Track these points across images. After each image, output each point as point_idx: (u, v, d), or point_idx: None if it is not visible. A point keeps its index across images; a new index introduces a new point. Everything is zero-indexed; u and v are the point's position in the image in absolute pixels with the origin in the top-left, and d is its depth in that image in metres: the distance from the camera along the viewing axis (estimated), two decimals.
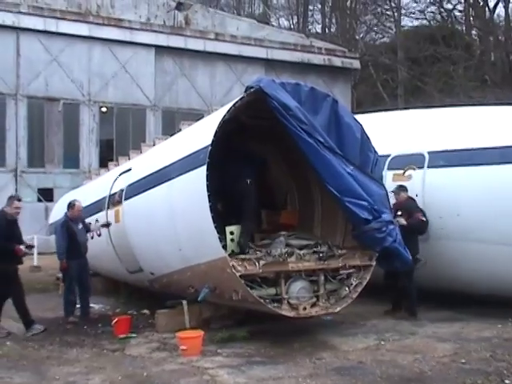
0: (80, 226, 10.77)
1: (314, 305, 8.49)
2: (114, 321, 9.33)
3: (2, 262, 9.39)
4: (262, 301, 8.07)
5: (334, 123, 8.96)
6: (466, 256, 9.77)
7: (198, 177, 8.22)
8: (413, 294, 9.65)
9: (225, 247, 8.42)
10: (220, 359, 7.71)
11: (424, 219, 9.73)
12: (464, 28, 33.84)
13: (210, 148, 8.20)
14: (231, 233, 8.96)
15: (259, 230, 10.59)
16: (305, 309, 8.30)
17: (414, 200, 10.01)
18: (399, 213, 9.62)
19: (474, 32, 33.23)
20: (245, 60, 28.29)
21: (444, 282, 10.21)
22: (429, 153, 10.38)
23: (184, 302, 9.09)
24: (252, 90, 8.61)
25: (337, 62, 30.42)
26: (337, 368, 7.17)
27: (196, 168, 8.38)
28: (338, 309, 8.74)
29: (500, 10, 32.18)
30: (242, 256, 8.58)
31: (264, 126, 9.65)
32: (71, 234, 10.50)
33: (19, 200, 9.96)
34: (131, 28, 25.72)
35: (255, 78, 9.01)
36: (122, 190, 11.07)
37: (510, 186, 9.24)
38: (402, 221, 9.42)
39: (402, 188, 10.01)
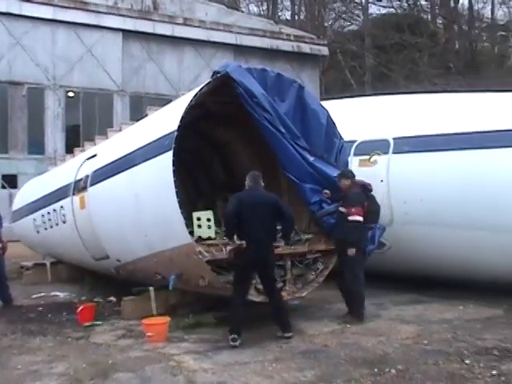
0: None
1: (280, 289, 8.54)
2: (79, 309, 9.27)
3: None
4: (228, 286, 8.11)
5: (299, 109, 9.07)
6: (430, 240, 9.93)
7: (165, 163, 8.19)
8: (360, 295, 8.67)
9: (192, 233, 8.43)
10: (186, 345, 7.72)
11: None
12: (429, 17, 34.17)
13: (176, 134, 8.17)
14: (198, 219, 8.95)
15: None
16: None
17: (363, 187, 8.97)
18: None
19: (438, 21, 33.58)
20: (213, 45, 28.10)
21: (408, 265, 10.37)
22: (394, 139, 10.50)
23: (151, 289, 9.07)
24: (219, 75, 8.62)
25: (305, 48, 30.43)
26: (302, 351, 7.24)
27: (162, 154, 8.34)
28: (305, 293, 8.84)
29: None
30: (209, 242, 8.60)
31: (232, 111, 9.66)
32: None
33: None
34: (97, 11, 25.30)
35: (222, 64, 9.02)
36: (87, 176, 10.95)
37: (473, 172, 9.42)
38: (342, 209, 8.72)
39: (343, 174, 8.95)
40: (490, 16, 32.91)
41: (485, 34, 31.71)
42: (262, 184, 8.15)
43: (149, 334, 7.89)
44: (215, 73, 8.69)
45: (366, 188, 8.98)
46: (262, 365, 6.77)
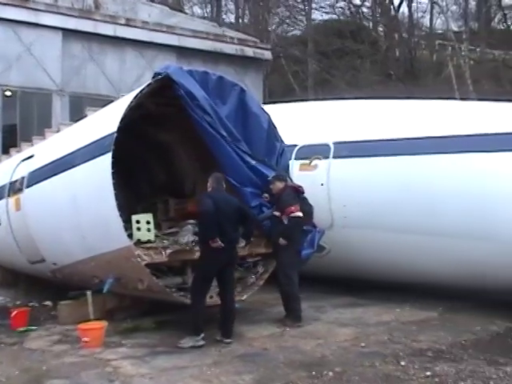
0: None
1: None
2: (13, 313, 9.01)
3: None
4: (167, 290, 8.03)
5: (241, 112, 9.08)
6: (368, 244, 10.07)
7: (103, 164, 8.06)
8: (296, 297, 8.75)
9: (130, 236, 8.32)
10: (124, 350, 7.60)
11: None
12: (371, 24, 34.81)
13: (115, 135, 8.06)
14: (137, 221, 8.83)
15: (167, 218, 10.55)
16: (211, 297, 8.28)
17: (295, 189, 9.08)
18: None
19: (380, 28, 34.25)
20: (156, 47, 27.80)
21: (348, 269, 10.50)
22: (334, 143, 10.63)
23: (88, 293, 8.89)
24: (159, 76, 8.56)
25: (249, 52, 30.48)
26: (241, 355, 7.23)
27: (101, 155, 8.21)
28: (245, 296, 8.82)
29: (404, 8, 33.43)
30: (148, 245, 8.50)
31: (173, 113, 9.59)
32: None
33: None
34: (37, 9, 24.70)
35: (163, 65, 8.96)
36: (23, 178, 10.68)
37: (410, 176, 9.61)
38: (276, 213, 8.88)
39: (277, 177, 9.04)
40: (428, 25, 33.87)
41: (424, 43, 32.50)
42: (224, 186, 8.21)
43: (85, 339, 7.73)
44: (156, 74, 8.63)
45: (297, 190, 9.13)
46: (200, 369, 6.72)
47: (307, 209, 9.12)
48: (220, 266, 7.85)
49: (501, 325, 8.36)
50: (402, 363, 6.72)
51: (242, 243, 8.47)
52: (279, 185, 8.96)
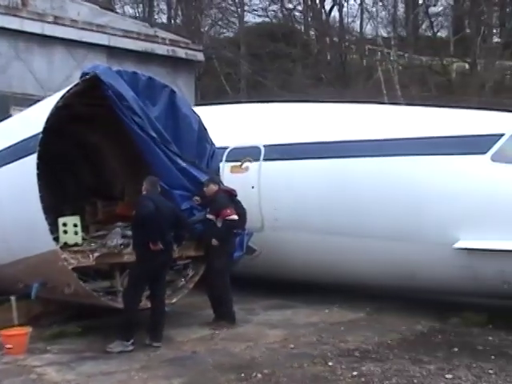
0: None
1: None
2: None
3: None
4: (95, 294, 7.87)
5: (171, 114, 9.00)
6: (298, 246, 10.18)
7: (29, 165, 7.83)
8: (229, 299, 8.83)
9: (57, 239, 8.12)
10: (49, 356, 7.41)
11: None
12: (303, 28, 35.17)
13: (41, 135, 7.85)
14: (64, 224, 8.62)
15: (95, 221, 10.34)
16: (140, 301, 8.18)
17: (229, 192, 9.14)
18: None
19: (311, 32, 34.65)
20: (86, 46, 27.13)
21: (279, 271, 10.57)
22: (264, 146, 10.69)
23: (12, 298, 8.60)
24: (87, 76, 8.40)
25: (181, 53, 30.21)
26: (170, 359, 7.18)
27: (26, 156, 7.98)
28: (175, 300, 8.74)
29: (335, 13, 33.96)
30: (75, 248, 8.31)
31: (102, 114, 9.40)
32: None
33: None
34: None
35: (91, 65, 8.80)
36: None
37: (337, 179, 9.79)
38: (210, 216, 8.86)
39: (212, 180, 9.07)
40: (359, 30, 34.51)
41: (354, 47, 33.08)
42: (159, 189, 8.14)
43: (8, 345, 7.48)
44: (84, 74, 8.47)
45: (231, 194, 9.15)
46: (128, 374, 6.63)
47: (241, 212, 9.13)
48: (157, 268, 7.80)
49: (425, 324, 8.63)
50: (330, 364, 6.83)
51: (174, 246, 8.41)
52: (213, 187, 8.98)
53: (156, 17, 41.70)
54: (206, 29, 38.30)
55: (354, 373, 6.49)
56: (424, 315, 8.96)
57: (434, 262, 8.93)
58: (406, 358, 7.01)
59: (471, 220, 8.65)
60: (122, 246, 8.44)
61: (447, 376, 6.40)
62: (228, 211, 8.74)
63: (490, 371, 6.56)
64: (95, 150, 10.90)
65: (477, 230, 8.58)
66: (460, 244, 8.63)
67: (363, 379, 6.32)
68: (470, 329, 8.35)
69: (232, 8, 35.54)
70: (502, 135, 8.85)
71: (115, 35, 28.01)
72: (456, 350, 7.42)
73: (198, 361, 7.08)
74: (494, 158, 8.72)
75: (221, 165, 10.18)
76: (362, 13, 32.89)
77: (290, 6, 33.82)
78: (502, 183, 8.60)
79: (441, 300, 9.85)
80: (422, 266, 9.10)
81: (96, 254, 8.03)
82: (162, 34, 30.73)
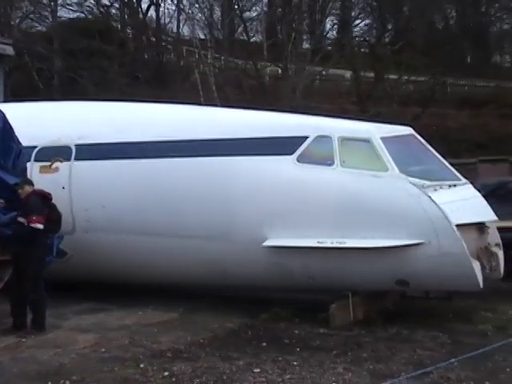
0: None
1: None
2: None
3: None
4: None
5: None
6: (112, 247, 10.01)
7: None
8: (42, 305, 8.53)
9: None
10: None
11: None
12: (120, 25, 34.59)
13: None
14: None
15: None
16: None
17: (44, 196, 8.71)
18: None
19: (128, 30, 34.22)
20: None
21: (93, 273, 10.31)
22: (76, 145, 10.38)
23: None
24: None
25: None
26: None
27: None
28: None
29: (152, 12, 33.93)
30: None
31: None
32: None
33: None
34: None
35: None
36: None
37: (151, 179, 9.80)
38: (21, 219, 8.40)
39: (27, 181, 8.79)
40: (175, 30, 34.71)
41: (171, 47, 33.19)
42: None
43: None
44: None
45: (46, 197, 8.75)
46: None
47: (55, 217, 8.79)
48: None
49: (236, 322, 8.88)
50: (142, 366, 6.80)
51: None
52: (28, 189, 8.60)
53: None
54: (16, 22, 36.21)
55: (165, 373, 6.52)
56: (236, 313, 9.21)
57: (245, 261, 9.25)
58: (217, 356, 7.18)
59: (278, 219, 9.08)
60: None
61: (255, 370, 6.65)
62: (34, 218, 8.26)
63: (295, 363, 6.92)
64: None
65: (284, 229, 9.04)
66: (268, 242, 9.02)
67: (174, 379, 6.37)
68: (279, 323, 8.72)
69: (44, 1, 33.92)
70: (306, 137, 9.38)
71: None
72: (264, 344, 7.73)
73: (1, 370, 6.68)
74: (299, 159, 9.23)
75: (29, 165, 9.72)
76: (179, 14, 33.17)
77: (107, 2, 33.15)
78: (306, 183, 9.12)
79: (253, 296, 10.20)
80: (233, 264, 9.38)
81: None
82: None
